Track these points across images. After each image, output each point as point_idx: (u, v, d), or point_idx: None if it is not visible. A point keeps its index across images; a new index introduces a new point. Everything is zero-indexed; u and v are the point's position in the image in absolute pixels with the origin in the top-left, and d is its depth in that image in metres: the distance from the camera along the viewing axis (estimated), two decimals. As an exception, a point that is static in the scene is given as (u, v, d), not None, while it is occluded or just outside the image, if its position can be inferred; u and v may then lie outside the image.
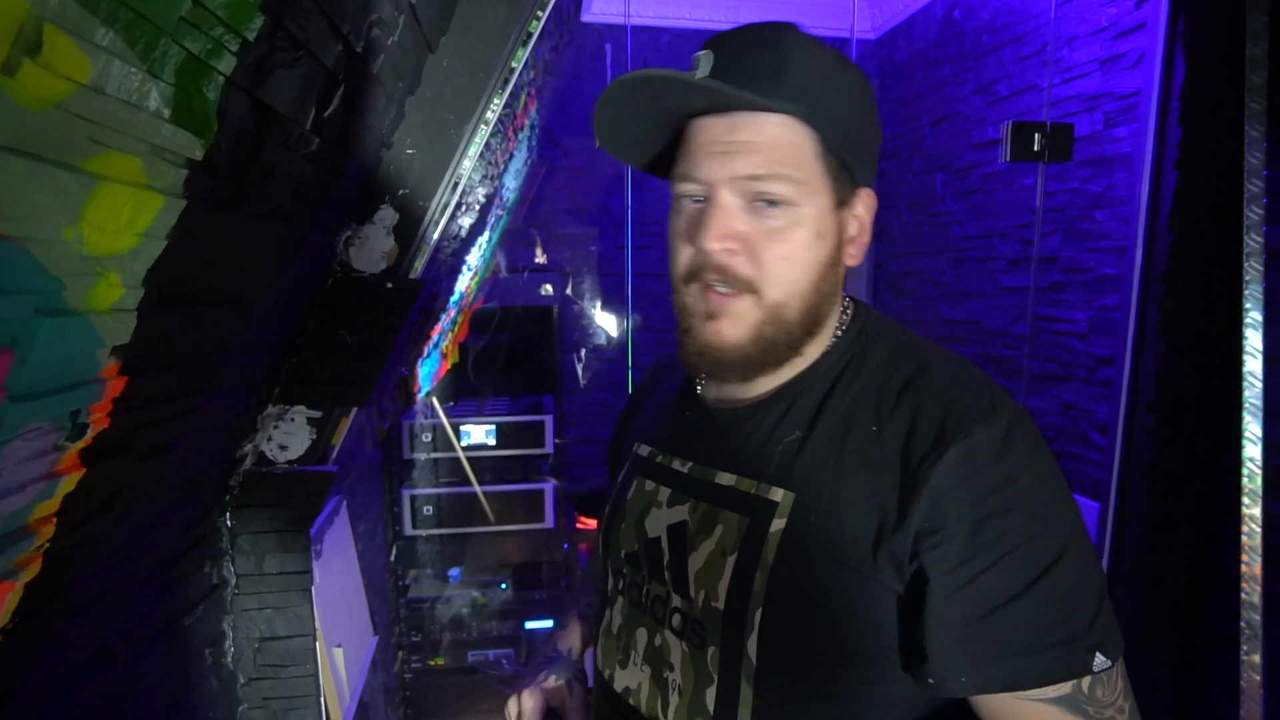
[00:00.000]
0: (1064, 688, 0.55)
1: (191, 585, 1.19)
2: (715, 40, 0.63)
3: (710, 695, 0.62)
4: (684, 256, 0.65)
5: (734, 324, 0.63)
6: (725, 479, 0.67)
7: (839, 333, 0.69)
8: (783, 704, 0.60)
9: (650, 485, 0.74)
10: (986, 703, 0.58)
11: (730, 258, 0.62)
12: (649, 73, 0.60)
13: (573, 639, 0.88)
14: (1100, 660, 0.55)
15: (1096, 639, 0.56)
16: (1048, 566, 0.55)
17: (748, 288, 0.62)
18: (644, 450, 0.77)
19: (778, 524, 0.61)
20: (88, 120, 0.51)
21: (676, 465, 0.72)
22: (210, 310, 0.88)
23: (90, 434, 0.69)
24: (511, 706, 0.77)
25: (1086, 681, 0.55)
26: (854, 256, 0.66)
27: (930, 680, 0.58)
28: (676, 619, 0.67)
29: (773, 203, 0.61)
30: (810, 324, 0.65)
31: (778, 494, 0.62)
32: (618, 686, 0.72)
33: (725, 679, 0.62)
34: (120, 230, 0.60)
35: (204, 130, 0.64)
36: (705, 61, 0.61)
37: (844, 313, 0.70)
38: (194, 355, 0.89)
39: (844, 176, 0.64)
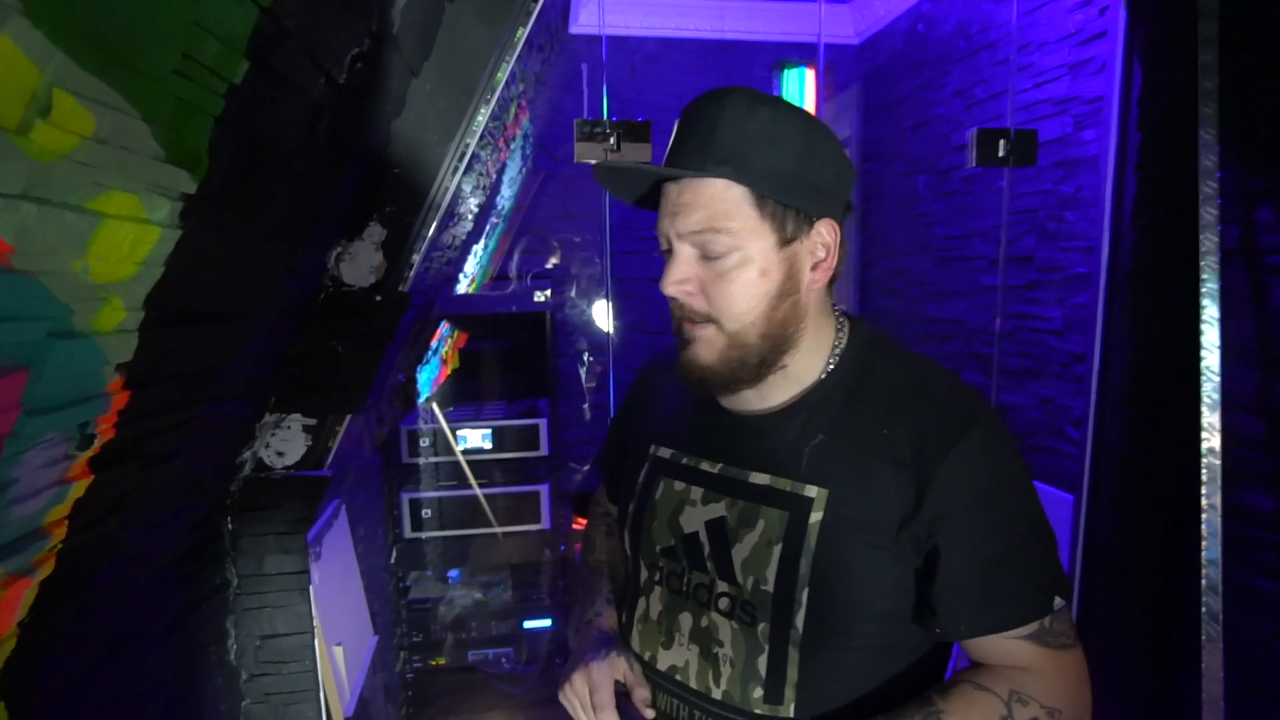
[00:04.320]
0: (1033, 625, 0.70)
1: (196, 585, 1.25)
2: (686, 108, 0.74)
3: (761, 662, 0.73)
4: None
5: (704, 348, 0.74)
6: (759, 479, 0.76)
7: (838, 348, 0.78)
8: (822, 659, 0.72)
9: (680, 485, 0.81)
10: (978, 642, 0.72)
11: (689, 299, 0.73)
12: (613, 164, 0.74)
13: (611, 621, 0.87)
14: (1058, 601, 0.71)
15: (1054, 586, 0.71)
16: (1021, 536, 0.71)
17: (708, 320, 0.73)
18: (665, 452, 0.85)
19: (815, 516, 0.72)
20: (91, 166, 0.57)
21: (705, 466, 0.80)
22: (208, 326, 0.94)
23: (98, 444, 0.76)
24: (579, 682, 0.77)
25: (1049, 619, 0.71)
26: (818, 280, 0.75)
27: (938, 630, 0.72)
28: (724, 602, 0.75)
29: (716, 249, 0.71)
30: (776, 343, 0.74)
31: (812, 491, 0.72)
32: (661, 666, 0.79)
33: (775, 648, 0.72)
34: (123, 260, 0.66)
35: (196, 166, 0.71)
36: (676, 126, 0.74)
37: (839, 331, 0.79)
38: (193, 368, 0.95)
39: (790, 216, 0.72)
